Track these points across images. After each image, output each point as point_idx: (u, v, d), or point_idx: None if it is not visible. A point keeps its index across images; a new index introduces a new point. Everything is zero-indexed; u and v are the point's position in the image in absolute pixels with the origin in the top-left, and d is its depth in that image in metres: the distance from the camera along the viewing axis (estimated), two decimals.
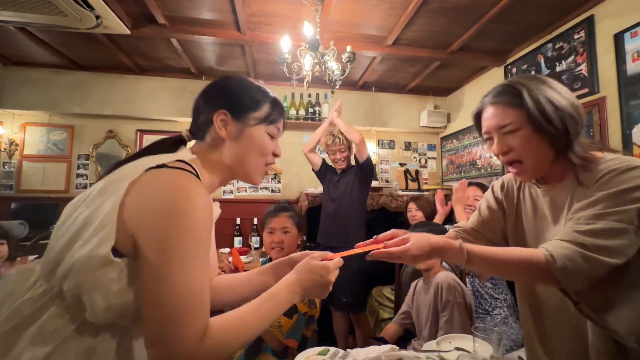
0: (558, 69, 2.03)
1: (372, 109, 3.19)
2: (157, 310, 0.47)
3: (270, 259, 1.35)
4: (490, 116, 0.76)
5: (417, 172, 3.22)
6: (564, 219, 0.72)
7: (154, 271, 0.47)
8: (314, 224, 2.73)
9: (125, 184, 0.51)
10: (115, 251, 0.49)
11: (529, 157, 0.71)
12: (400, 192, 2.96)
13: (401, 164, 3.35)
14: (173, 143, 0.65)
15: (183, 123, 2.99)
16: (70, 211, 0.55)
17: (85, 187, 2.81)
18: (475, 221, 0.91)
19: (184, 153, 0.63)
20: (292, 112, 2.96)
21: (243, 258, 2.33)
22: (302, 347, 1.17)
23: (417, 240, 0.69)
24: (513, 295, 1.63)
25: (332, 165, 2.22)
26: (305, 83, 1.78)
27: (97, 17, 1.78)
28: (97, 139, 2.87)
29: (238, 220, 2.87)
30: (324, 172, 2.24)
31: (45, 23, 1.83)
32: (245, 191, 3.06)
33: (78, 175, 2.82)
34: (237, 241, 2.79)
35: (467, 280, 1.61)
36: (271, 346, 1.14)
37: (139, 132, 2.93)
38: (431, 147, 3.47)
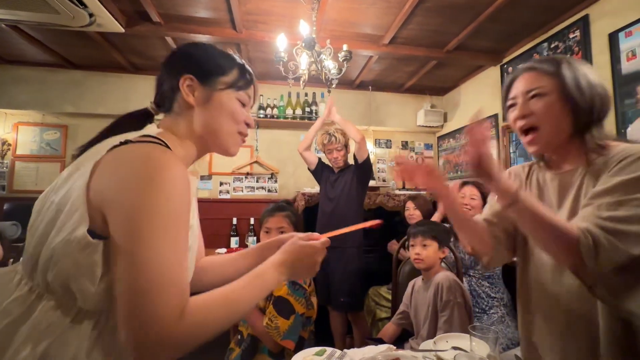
0: None
1: (369, 108, 3.19)
2: (128, 288, 0.44)
3: None
4: (521, 81, 0.76)
5: None
6: (570, 203, 0.72)
7: (124, 247, 0.45)
8: (310, 224, 2.72)
9: (90, 164, 0.50)
10: (93, 233, 0.47)
11: (547, 125, 0.71)
12: (397, 192, 2.96)
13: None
14: (139, 118, 0.62)
15: None
16: (41, 204, 0.53)
17: None
18: (488, 213, 0.90)
19: (151, 128, 0.61)
20: (289, 111, 2.95)
21: None
22: (299, 348, 1.16)
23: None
24: (510, 294, 1.63)
25: (329, 164, 2.21)
26: (301, 82, 1.77)
27: (91, 15, 1.76)
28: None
29: (234, 221, 2.86)
30: (320, 171, 2.23)
31: (38, 21, 1.81)
32: (242, 191, 3.05)
33: None
34: (234, 241, 2.77)
35: (464, 279, 1.62)
36: (268, 347, 1.13)
37: None
38: (428, 147, 3.48)
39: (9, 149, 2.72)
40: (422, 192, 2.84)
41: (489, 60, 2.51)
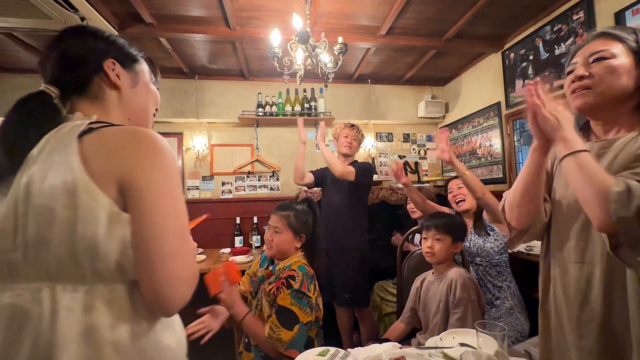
0: (557, 51, 1.98)
1: (368, 101, 3.14)
2: (162, 252, 0.50)
3: (266, 256, 1.33)
4: (589, 45, 0.75)
5: (416, 164, 3.18)
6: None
7: (154, 217, 0.50)
8: None
9: (69, 155, 0.48)
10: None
11: (603, 85, 0.70)
12: (400, 185, 2.92)
13: (400, 157, 3.31)
14: (43, 105, 0.55)
15: (178, 124, 2.96)
16: (18, 210, 0.47)
17: None
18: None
19: (86, 112, 0.57)
20: (288, 108, 2.93)
21: (243, 258, 2.31)
22: (308, 346, 1.14)
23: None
24: (517, 284, 1.60)
25: (337, 151, 2.17)
26: (297, 78, 1.74)
27: (82, 19, 1.73)
28: None
29: (238, 220, 2.85)
30: (320, 180, 2.21)
31: (30, 27, 1.79)
32: (244, 190, 3.04)
33: None
34: (238, 240, 2.77)
35: (470, 269, 1.59)
36: (271, 356, 1.11)
37: None
38: (430, 138, 3.43)
39: None
40: (425, 185, 2.80)
41: (489, 47, 2.45)
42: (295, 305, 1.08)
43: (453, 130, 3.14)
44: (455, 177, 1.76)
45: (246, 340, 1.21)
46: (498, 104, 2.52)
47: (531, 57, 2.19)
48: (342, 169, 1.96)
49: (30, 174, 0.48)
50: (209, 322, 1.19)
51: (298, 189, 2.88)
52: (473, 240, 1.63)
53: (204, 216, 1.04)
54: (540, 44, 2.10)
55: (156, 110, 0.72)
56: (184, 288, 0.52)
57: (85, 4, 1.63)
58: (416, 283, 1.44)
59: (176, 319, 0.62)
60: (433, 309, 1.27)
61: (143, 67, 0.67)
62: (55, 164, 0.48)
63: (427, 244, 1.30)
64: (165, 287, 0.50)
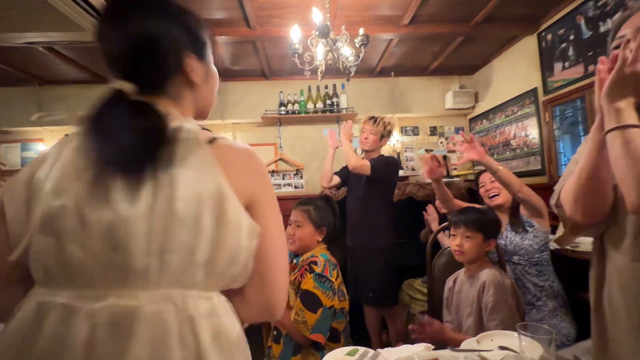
0: (602, 29, 1.79)
1: (392, 95, 3.05)
2: (275, 261, 0.53)
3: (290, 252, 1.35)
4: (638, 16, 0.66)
5: (445, 157, 3.04)
6: None
7: (273, 230, 0.53)
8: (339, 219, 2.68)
9: (209, 165, 0.46)
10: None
11: None
12: (427, 180, 2.82)
13: (427, 151, 3.19)
14: (124, 108, 0.48)
15: (204, 126, 3.03)
16: (161, 217, 0.44)
17: None
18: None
19: (176, 115, 0.51)
20: (310, 105, 2.91)
21: None
22: (334, 340, 1.15)
23: None
24: (560, 283, 1.48)
25: (358, 147, 2.13)
26: (319, 73, 1.72)
27: None
28: None
29: None
30: (344, 178, 2.18)
31: (68, 40, 1.91)
32: None
33: None
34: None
35: (507, 268, 1.49)
36: (298, 342, 1.12)
37: None
38: (458, 130, 3.27)
39: None
40: (455, 179, 2.68)
41: (523, 30, 2.28)
42: (318, 289, 1.11)
43: (484, 120, 2.98)
44: (485, 170, 1.66)
45: (274, 332, 1.22)
46: (534, 90, 2.34)
47: (572, 37, 2.01)
48: (356, 162, 1.91)
49: (173, 177, 0.44)
50: None
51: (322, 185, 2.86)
52: (509, 237, 1.52)
53: None
54: (582, 22, 1.92)
55: None
56: (286, 296, 0.56)
57: None
58: (448, 282, 1.36)
59: None
60: (466, 311, 1.20)
61: (210, 50, 0.57)
62: (197, 171, 0.45)
63: (456, 242, 1.22)
64: (277, 295, 0.54)
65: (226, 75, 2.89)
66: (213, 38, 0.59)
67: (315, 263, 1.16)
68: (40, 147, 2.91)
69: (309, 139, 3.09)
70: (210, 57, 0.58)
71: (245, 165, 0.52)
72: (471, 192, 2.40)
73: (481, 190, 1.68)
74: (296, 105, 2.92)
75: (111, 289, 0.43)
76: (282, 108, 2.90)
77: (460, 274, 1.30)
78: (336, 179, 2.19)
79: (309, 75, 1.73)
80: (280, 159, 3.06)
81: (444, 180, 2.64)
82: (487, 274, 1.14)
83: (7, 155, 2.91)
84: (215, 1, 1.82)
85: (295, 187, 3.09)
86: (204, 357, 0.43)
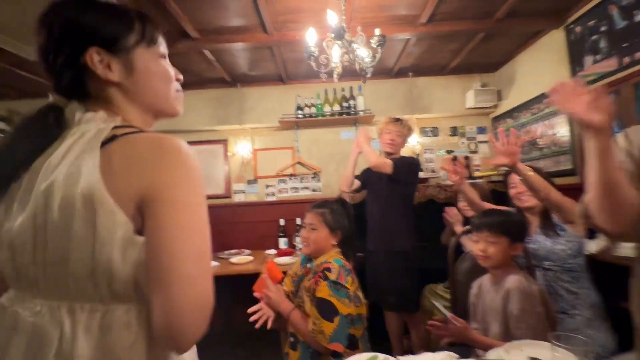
0: (638, 18, 1.68)
1: (410, 95, 3.00)
2: (183, 272, 0.43)
3: (305, 256, 1.34)
4: None
5: (466, 158, 2.94)
6: None
7: (174, 236, 0.44)
8: (355, 222, 2.64)
9: (87, 167, 0.43)
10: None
11: None
12: (449, 182, 2.73)
13: (448, 152, 3.10)
14: (56, 119, 0.51)
15: (223, 131, 3.11)
16: (33, 227, 0.44)
17: None
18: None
19: (103, 117, 0.50)
20: (327, 108, 2.91)
21: (287, 259, 2.34)
22: (352, 346, 1.13)
23: None
24: (597, 290, 1.37)
25: (381, 149, 2.10)
26: (335, 75, 1.71)
27: None
28: None
29: (282, 222, 2.90)
30: (364, 181, 2.15)
31: None
32: (287, 192, 3.09)
33: None
34: (282, 242, 2.82)
35: (537, 273, 1.40)
36: (318, 351, 1.11)
37: None
38: (481, 130, 3.16)
39: None
40: (477, 181, 2.59)
41: (549, 23, 2.17)
42: (334, 297, 1.08)
43: (508, 119, 2.86)
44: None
45: (292, 339, 1.21)
46: None
47: (603, 28, 1.89)
48: (376, 160, 1.88)
49: (50, 182, 0.43)
50: (265, 309, 1.22)
51: (340, 188, 2.84)
52: (540, 241, 1.44)
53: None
54: (615, 12, 1.80)
55: (178, 81, 0.61)
56: (201, 320, 0.44)
57: None
58: (473, 288, 1.30)
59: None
60: (491, 320, 1.14)
61: (131, 40, 0.51)
62: (75, 176, 0.43)
63: (480, 246, 1.16)
64: (182, 317, 0.42)
65: (244, 81, 2.95)
66: (149, 21, 0.54)
67: (329, 270, 1.13)
68: None
69: (326, 142, 3.08)
70: (132, 50, 0.51)
71: (136, 161, 0.45)
72: (496, 194, 2.31)
73: (511, 192, 1.60)
74: (313, 108, 2.93)
75: (24, 295, 0.48)
76: (299, 112, 2.92)
77: (485, 279, 1.24)
78: (356, 183, 2.18)
79: (325, 78, 1.73)
80: (298, 163, 3.07)
81: (467, 181, 2.57)
82: (511, 281, 1.07)
83: None
84: (233, 9, 1.86)
85: (313, 190, 3.08)
86: None
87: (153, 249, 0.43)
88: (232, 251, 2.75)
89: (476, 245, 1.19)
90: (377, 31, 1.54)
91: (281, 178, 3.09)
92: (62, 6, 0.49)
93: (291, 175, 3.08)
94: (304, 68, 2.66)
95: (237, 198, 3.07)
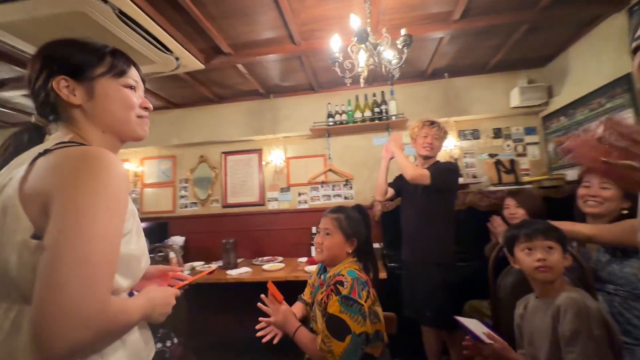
0: None
1: (446, 97, 2.84)
2: (71, 262, 0.44)
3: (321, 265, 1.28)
4: None
5: (512, 162, 2.69)
6: None
7: (66, 232, 0.45)
8: (388, 230, 2.54)
9: (16, 178, 0.50)
10: (37, 237, 0.49)
11: None
12: (492, 188, 2.52)
13: (491, 155, 2.86)
14: (30, 137, 0.60)
15: (257, 141, 3.22)
16: None
17: (186, 206, 3.28)
18: None
19: (59, 135, 0.59)
20: (358, 114, 2.87)
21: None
22: None
23: None
24: None
25: (416, 153, 2.00)
26: (361, 80, 1.68)
27: (177, 59, 2.06)
28: (192, 164, 3.33)
29: (314, 229, 2.89)
30: (399, 188, 2.06)
31: (143, 73, 2.22)
32: (319, 200, 3.08)
33: (180, 197, 3.31)
34: (314, 250, 2.79)
35: (599, 298, 1.20)
36: None
37: (223, 154, 3.28)
38: (530, 131, 2.87)
39: (139, 179, 3.41)
40: (526, 186, 2.34)
41: (608, 7, 1.92)
42: (345, 313, 0.99)
43: (561, 117, 2.56)
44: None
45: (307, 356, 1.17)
46: (627, 76, 1.94)
47: None
48: (414, 172, 1.78)
49: None
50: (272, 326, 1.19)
51: (372, 196, 2.76)
52: (601, 261, 1.23)
53: (208, 270, 1.14)
54: None
55: (145, 109, 0.67)
56: (70, 329, 0.42)
57: (177, 46, 1.93)
58: (518, 308, 1.15)
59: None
60: (540, 343, 0.98)
61: (101, 70, 0.61)
62: (2, 187, 0.50)
63: (537, 256, 1.01)
64: (45, 324, 0.41)
65: (277, 91, 3.04)
66: (121, 56, 0.64)
67: (342, 283, 1.04)
68: (126, 166, 3.40)
69: (358, 149, 3.03)
70: (95, 78, 0.60)
71: (49, 168, 0.49)
72: (549, 202, 2.07)
73: (581, 191, 1.38)
74: (344, 115, 2.91)
75: None
76: (330, 119, 2.91)
77: (532, 298, 1.09)
78: (390, 191, 2.09)
79: (349, 84, 1.70)
80: (330, 170, 3.05)
81: (514, 188, 2.34)
82: (564, 298, 0.92)
83: None
84: (262, 23, 1.92)
85: (345, 197, 3.04)
86: None
87: (43, 251, 0.45)
88: (265, 258, 2.80)
89: (531, 256, 1.04)
90: (403, 31, 1.48)
91: (313, 186, 3.09)
92: (47, 44, 0.61)
93: (323, 182, 3.07)
94: (334, 76, 2.66)
95: (271, 206, 3.13)
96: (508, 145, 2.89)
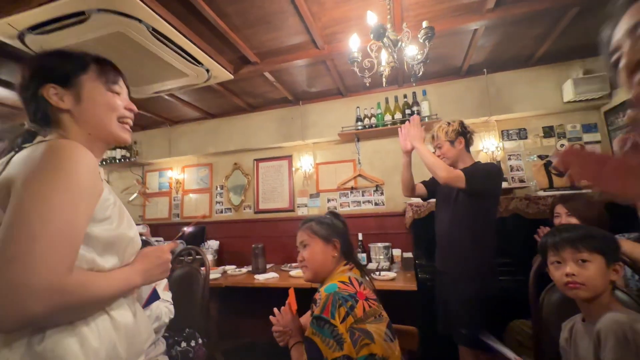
0: None
1: (485, 95, 2.61)
2: (28, 234, 0.48)
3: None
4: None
5: None
6: None
7: (22, 209, 0.49)
8: (420, 236, 2.37)
9: None
10: None
11: None
12: (541, 193, 2.24)
13: (540, 157, 2.55)
14: (24, 143, 0.64)
15: (287, 147, 3.26)
16: None
17: (221, 212, 3.42)
18: None
19: (50, 136, 0.65)
20: (388, 117, 2.77)
21: None
22: None
23: None
24: None
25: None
26: (383, 78, 1.60)
27: (207, 71, 2.18)
28: (227, 171, 3.47)
29: None
30: (433, 190, 1.90)
31: (179, 85, 2.38)
32: (349, 206, 3.00)
33: (216, 202, 3.47)
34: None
35: None
36: None
37: (255, 161, 3.38)
38: (589, 128, 2.52)
39: (180, 186, 3.65)
40: (582, 192, 2.04)
41: None
42: (317, 336, 0.87)
43: (628, 110, 2.20)
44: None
45: None
46: None
47: None
48: (447, 174, 1.60)
49: None
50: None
51: (404, 202, 2.62)
52: None
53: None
54: None
55: (131, 111, 0.73)
56: (20, 302, 0.45)
57: (207, 58, 2.04)
58: (564, 331, 0.98)
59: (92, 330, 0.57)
60: None
61: (86, 77, 0.67)
62: None
63: (565, 270, 0.86)
64: (23, 274, 0.45)
65: (305, 98, 3.06)
66: (108, 66, 0.70)
67: (315, 301, 0.94)
68: (169, 173, 3.67)
69: (389, 153, 2.92)
70: (82, 84, 0.66)
71: (18, 160, 0.55)
72: (612, 208, 1.78)
73: None
74: (373, 119, 2.82)
75: None
76: (359, 123, 2.85)
77: (577, 320, 0.91)
78: (421, 189, 1.92)
79: (369, 83, 1.63)
80: (359, 175, 2.97)
81: (568, 192, 2.05)
82: (605, 320, 0.75)
83: (150, 181, 3.79)
84: (284, 29, 1.95)
85: (376, 204, 2.92)
86: None
87: None
88: (294, 264, 2.79)
89: (559, 270, 0.89)
90: (425, 23, 1.39)
91: (342, 192, 3.03)
92: (34, 56, 0.69)
93: (352, 188, 3.00)
94: (361, 79, 2.60)
95: (300, 212, 3.13)
96: (562, 145, 2.56)
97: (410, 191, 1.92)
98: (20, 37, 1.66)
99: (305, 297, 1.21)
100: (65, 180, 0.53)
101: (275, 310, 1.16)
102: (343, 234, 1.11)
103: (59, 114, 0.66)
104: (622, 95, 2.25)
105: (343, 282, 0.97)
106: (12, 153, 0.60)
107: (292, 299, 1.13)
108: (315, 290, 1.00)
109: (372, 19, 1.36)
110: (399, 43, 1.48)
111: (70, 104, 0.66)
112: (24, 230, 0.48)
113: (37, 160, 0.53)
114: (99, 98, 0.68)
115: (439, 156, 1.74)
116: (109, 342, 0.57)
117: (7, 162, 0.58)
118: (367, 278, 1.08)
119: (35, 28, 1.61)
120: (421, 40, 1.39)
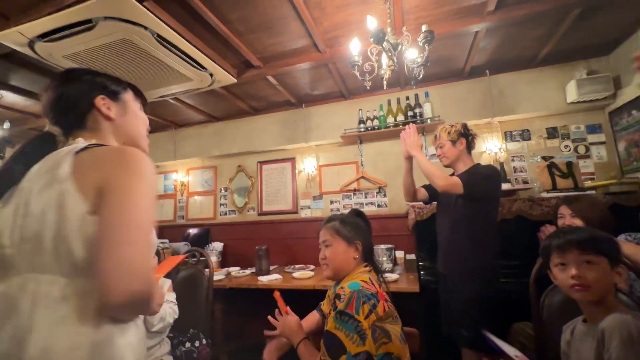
0: None
1: (488, 96, 2.61)
2: (122, 241, 0.53)
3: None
4: None
5: (570, 165, 2.35)
6: None
7: (119, 214, 0.55)
8: (422, 238, 2.37)
9: (63, 172, 0.59)
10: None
11: None
12: (545, 195, 2.22)
13: (544, 158, 2.54)
14: (43, 143, 0.68)
15: (291, 150, 3.28)
16: (19, 214, 0.59)
17: (225, 214, 3.46)
18: None
19: (82, 141, 0.68)
20: (390, 119, 2.78)
21: None
22: None
23: None
24: None
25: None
26: (384, 82, 1.62)
27: (211, 75, 2.21)
28: (231, 174, 3.51)
29: None
30: (434, 193, 1.89)
31: (184, 90, 2.43)
32: (352, 208, 3.01)
33: (220, 205, 3.51)
34: None
35: None
36: None
37: (259, 164, 3.41)
38: (593, 129, 2.50)
39: (185, 188, 3.70)
40: (586, 193, 2.03)
41: None
42: (340, 330, 0.89)
43: (633, 111, 2.19)
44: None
45: None
46: None
47: None
48: (444, 182, 1.61)
49: (30, 183, 0.61)
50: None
51: (407, 204, 2.62)
52: None
53: (182, 256, 1.18)
54: None
55: (147, 130, 0.84)
56: (133, 279, 0.52)
57: (211, 63, 2.07)
58: (565, 333, 0.98)
59: (135, 333, 0.62)
60: None
61: (129, 96, 0.78)
62: (51, 176, 0.60)
63: (570, 272, 0.86)
64: (113, 273, 0.51)
65: (308, 100, 3.09)
66: (139, 92, 0.83)
67: (339, 296, 0.96)
68: (174, 176, 3.72)
69: (391, 155, 2.92)
70: (127, 101, 0.77)
71: (100, 160, 0.60)
72: (617, 210, 1.77)
73: None
74: (375, 121, 2.83)
75: (5, 276, 0.59)
76: (362, 125, 2.86)
77: (578, 323, 0.92)
78: (423, 193, 1.94)
79: (369, 86, 1.65)
80: (362, 177, 2.98)
81: (571, 194, 2.04)
82: (609, 320, 0.75)
83: None
84: (286, 34, 1.98)
85: (379, 205, 2.93)
86: (28, 335, 0.52)
87: (102, 222, 0.55)
88: (297, 266, 2.80)
89: (564, 272, 0.89)
90: (424, 27, 1.40)
91: (345, 193, 3.04)
92: (82, 71, 0.76)
93: (355, 190, 3.01)
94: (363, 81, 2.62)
95: (304, 214, 3.15)
96: (566, 146, 2.54)
97: (412, 196, 1.93)
98: (31, 44, 1.71)
99: (306, 298, 1.22)
100: (147, 186, 0.60)
101: (276, 315, 1.18)
102: (365, 236, 1.12)
103: (102, 121, 0.73)
104: (627, 95, 2.23)
105: (364, 282, 1.00)
106: (70, 152, 0.62)
107: (281, 302, 1.17)
108: (315, 291, 1.02)
109: (371, 23, 1.38)
110: (399, 47, 1.49)
111: (116, 115, 0.75)
112: (134, 219, 0.55)
113: (125, 163, 0.59)
114: (139, 114, 0.81)
115: (439, 155, 1.75)
116: (140, 352, 0.64)
117: (73, 159, 0.61)
118: (383, 282, 1.10)
119: (44, 36, 1.65)
120: (421, 44, 1.40)
